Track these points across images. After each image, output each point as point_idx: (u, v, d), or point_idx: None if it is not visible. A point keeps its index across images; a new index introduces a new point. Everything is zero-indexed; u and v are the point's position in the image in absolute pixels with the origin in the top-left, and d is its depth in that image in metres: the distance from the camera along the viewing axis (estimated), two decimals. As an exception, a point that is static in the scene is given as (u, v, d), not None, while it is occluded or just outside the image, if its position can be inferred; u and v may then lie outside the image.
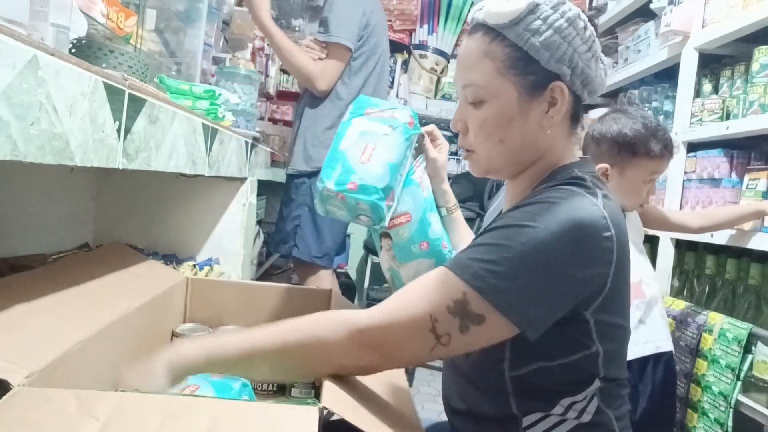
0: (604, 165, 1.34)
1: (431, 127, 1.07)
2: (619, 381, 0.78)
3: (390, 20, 3.89)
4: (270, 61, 3.06)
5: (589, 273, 0.68)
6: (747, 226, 1.45)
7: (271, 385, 1.06)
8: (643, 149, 1.30)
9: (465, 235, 1.09)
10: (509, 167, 0.81)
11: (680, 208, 1.76)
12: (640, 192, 1.34)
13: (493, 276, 0.66)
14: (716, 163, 1.64)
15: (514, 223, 0.69)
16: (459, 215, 1.10)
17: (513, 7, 0.72)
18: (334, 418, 0.59)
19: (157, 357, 0.71)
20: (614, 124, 1.34)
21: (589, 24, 0.75)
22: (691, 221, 1.49)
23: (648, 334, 1.36)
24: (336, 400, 0.60)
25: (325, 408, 0.56)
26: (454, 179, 3.47)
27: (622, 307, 0.76)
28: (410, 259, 1.02)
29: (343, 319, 0.69)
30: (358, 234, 3.97)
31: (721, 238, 1.52)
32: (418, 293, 0.69)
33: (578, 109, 0.81)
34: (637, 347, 1.34)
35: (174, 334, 1.08)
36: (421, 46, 3.69)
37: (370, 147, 0.95)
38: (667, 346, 1.39)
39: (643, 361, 1.36)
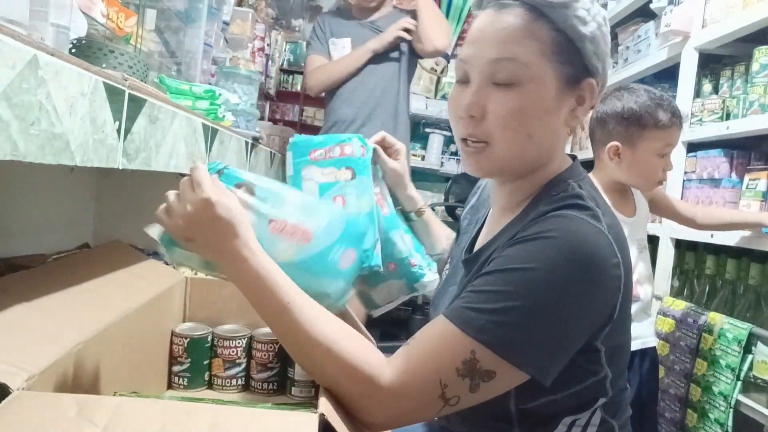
0: (615, 143, 1.31)
1: (380, 135, 0.97)
2: (621, 389, 0.76)
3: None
4: (270, 61, 3.05)
5: (602, 305, 0.65)
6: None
7: (270, 384, 1.06)
8: (652, 120, 1.28)
9: (440, 235, 1.03)
10: (519, 169, 0.73)
11: (680, 208, 1.77)
12: (656, 168, 1.32)
13: (500, 328, 0.61)
14: (716, 163, 1.64)
15: (515, 266, 0.63)
16: (429, 215, 1.03)
17: None
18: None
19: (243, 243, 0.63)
20: (618, 101, 1.32)
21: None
22: (697, 218, 1.49)
23: (636, 331, 1.37)
24: (332, 408, 0.60)
25: (323, 414, 0.56)
26: (454, 179, 3.47)
27: (627, 324, 0.73)
28: (379, 282, 0.96)
29: (367, 376, 0.63)
30: (357, 234, 3.96)
31: (721, 238, 1.52)
32: (425, 357, 0.63)
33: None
34: None
35: (174, 334, 1.08)
36: (421, 45, 3.69)
37: (339, 202, 0.85)
38: (652, 341, 1.43)
39: (631, 355, 1.38)
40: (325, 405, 0.58)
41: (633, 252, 1.36)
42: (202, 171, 0.66)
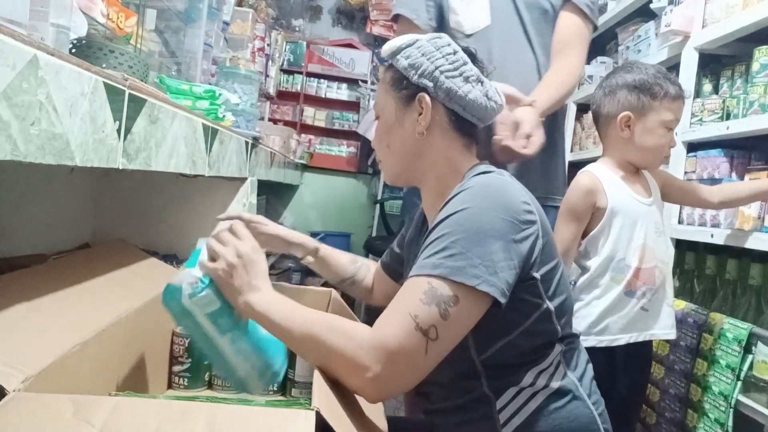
0: (627, 113, 1.33)
1: (225, 224, 0.91)
2: (574, 339, 0.88)
3: (390, 20, 3.88)
4: (270, 61, 3.05)
5: (524, 234, 0.78)
6: (747, 226, 1.44)
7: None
8: (662, 91, 1.31)
9: (341, 261, 1.16)
10: (405, 172, 0.94)
11: (680, 209, 1.76)
12: (663, 142, 1.33)
13: (449, 260, 0.74)
14: (716, 163, 1.64)
15: (448, 214, 0.78)
16: (324, 249, 1.15)
17: (397, 42, 0.89)
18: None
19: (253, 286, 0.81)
20: (627, 73, 1.36)
21: (460, 52, 0.88)
22: (713, 196, 1.45)
23: (661, 321, 1.35)
24: (327, 406, 0.60)
25: (318, 410, 0.56)
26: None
27: (553, 258, 0.85)
28: None
29: (361, 334, 0.73)
30: (358, 234, 3.97)
31: (721, 238, 1.52)
32: (393, 305, 0.75)
33: (462, 123, 0.89)
34: (630, 334, 1.32)
35: (175, 334, 1.08)
36: (422, 45, 3.68)
37: None
38: (663, 335, 1.38)
39: (646, 344, 1.40)
40: (318, 400, 0.58)
41: (651, 235, 1.33)
42: (242, 226, 0.88)
